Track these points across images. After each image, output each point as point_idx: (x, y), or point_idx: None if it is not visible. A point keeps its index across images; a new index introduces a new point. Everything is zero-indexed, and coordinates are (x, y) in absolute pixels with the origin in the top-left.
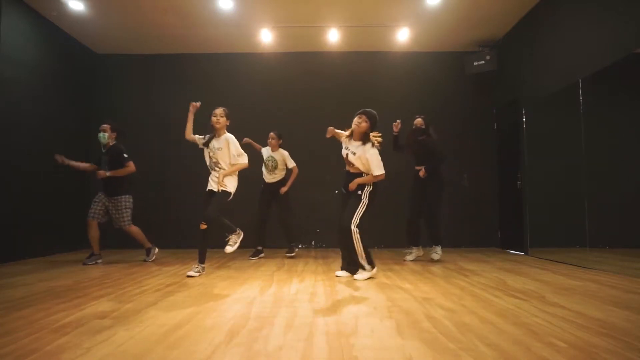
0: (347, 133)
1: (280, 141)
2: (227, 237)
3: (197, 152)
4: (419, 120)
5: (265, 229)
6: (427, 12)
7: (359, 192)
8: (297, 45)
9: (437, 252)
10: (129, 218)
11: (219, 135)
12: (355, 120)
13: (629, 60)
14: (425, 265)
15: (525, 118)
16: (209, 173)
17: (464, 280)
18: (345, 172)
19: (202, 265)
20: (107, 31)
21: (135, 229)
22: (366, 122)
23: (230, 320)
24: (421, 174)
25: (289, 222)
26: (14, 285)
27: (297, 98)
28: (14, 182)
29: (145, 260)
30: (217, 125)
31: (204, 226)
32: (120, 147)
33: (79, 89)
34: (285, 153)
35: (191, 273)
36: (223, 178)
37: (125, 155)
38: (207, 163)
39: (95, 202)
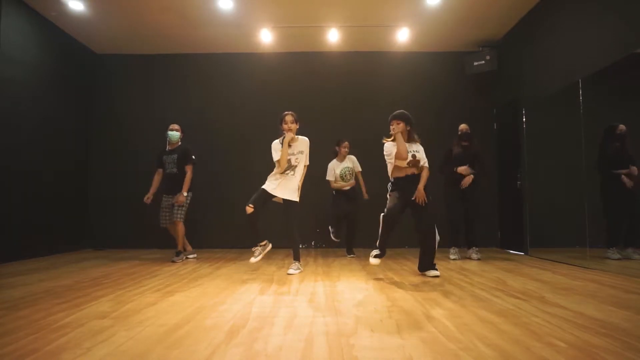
0: (392, 140)
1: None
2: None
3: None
4: (464, 126)
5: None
6: (427, 12)
7: (430, 197)
8: (297, 45)
9: (476, 253)
10: (184, 214)
11: (295, 140)
12: (392, 128)
13: (629, 60)
14: None
15: (525, 118)
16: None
17: (464, 280)
18: (405, 177)
19: (262, 244)
20: (107, 31)
21: (181, 226)
22: (398, 124)
23: (230, 320)
24: (465, 182)
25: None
26: (14, 285)
27: (297, 98)
28: (14, 182)
29: (173, 261)
30: (292, 133)
31: (250, 209)
32: (189, 148)
33: (79, 89)
34: (353, 158)
35: (291, 271)
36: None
37: (193, 157)
38: (285, 166)
39: (162, 209)
